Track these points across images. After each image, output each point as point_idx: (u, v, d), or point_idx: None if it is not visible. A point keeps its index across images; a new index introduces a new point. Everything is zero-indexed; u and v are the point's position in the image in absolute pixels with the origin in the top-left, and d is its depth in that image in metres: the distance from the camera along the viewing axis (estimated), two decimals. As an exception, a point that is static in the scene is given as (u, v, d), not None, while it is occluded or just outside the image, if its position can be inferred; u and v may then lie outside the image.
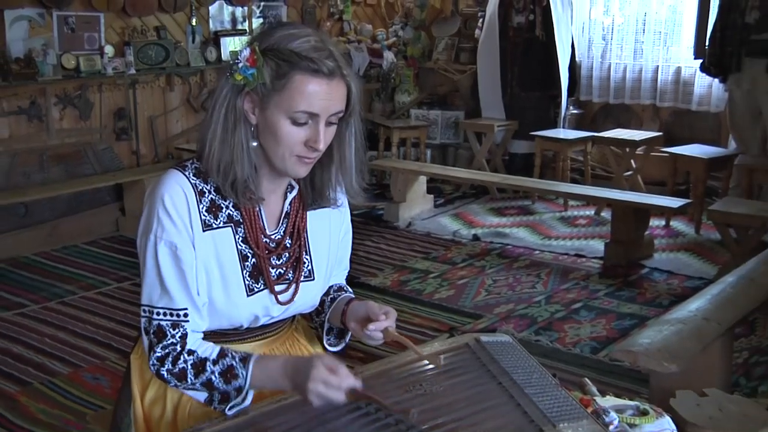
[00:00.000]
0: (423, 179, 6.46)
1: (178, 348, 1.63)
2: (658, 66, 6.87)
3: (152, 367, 1.64)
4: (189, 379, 1.62)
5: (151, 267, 1.62)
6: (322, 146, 1.60)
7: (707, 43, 5.91)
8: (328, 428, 1.52)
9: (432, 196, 6.65)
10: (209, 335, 1.72)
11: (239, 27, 6.63)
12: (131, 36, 5.92)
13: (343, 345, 1.89)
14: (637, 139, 6.23)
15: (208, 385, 1.62)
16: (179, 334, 1.63)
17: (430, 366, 1.78)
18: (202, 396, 1.65)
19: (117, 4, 5.73)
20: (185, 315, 1.62)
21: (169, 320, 1.62)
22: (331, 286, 1.91)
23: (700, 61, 6.07)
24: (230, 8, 6.57)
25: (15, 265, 5.22)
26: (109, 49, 5.74)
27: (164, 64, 6.01)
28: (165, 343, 1.62)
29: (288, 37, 1.58)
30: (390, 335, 1.70)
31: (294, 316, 1.88)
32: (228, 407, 1.61)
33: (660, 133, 6.53)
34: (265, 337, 1.79)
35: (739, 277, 3.09)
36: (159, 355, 1.63)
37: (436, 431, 1.50)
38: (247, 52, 1.56)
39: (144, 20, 6.00)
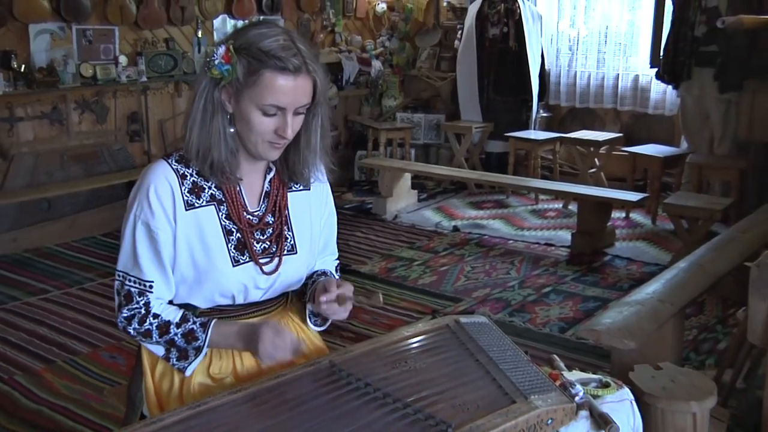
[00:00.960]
0: (408, 176, 6.45)
1: (143, 311, 1.69)
2: (618, 74, 6.90)
3: (120, 324, 1.72)
4: (153, 338, 1.69)
5: (129, 240, 1.68)
6: (289, 134, 1.63)
7: (662, 54, 5.93)
8: (320, 402, 1.52)
9: (416, 191, 6.65)
10: (210, 312, 1.73)
11: (241, 39, 6.59)
12: (143, 47, 5.89)
13: (326, 325, 1.88)
14: (600, 139, 6.25)
15: (170, 342, 1.69)
16: (143, 301, 1.69)
17: (415, 344, 1.78)
18: (160, 351, 1.71)
19: (130, 18, 5.69)
20: (150, 286, 1.69)
21: (137, 288, 1.69)
22: (316, 271, 1.90)
23: (656, 69, 6.09)
24: (232, 21, 6.52)
25: (39, 254, 5.20)
26: (123, 59, 5.71)
27: (173, 72, 5.98)
28: (131, 306, 1.69)
29: (259, 36, 1.59)
30: (343, 299, 1.71)
31: (287, 296, 1.87)
32: (185, 365, 1.68)
33: (620, 134, 6.55)
34: (260, 313, 1.79)
35: (690, 263, 3.11)
36: (126, 315, 1.70)
37: (419, 404, 1.51)
38: (222, 50, 1.58)
39: (154, 32, 5.97)
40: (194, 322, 1.68)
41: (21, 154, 5.29)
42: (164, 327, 1.68)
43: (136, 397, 1.81)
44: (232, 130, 1.64)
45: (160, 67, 5.92)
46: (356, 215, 6.21)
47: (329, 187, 1.90)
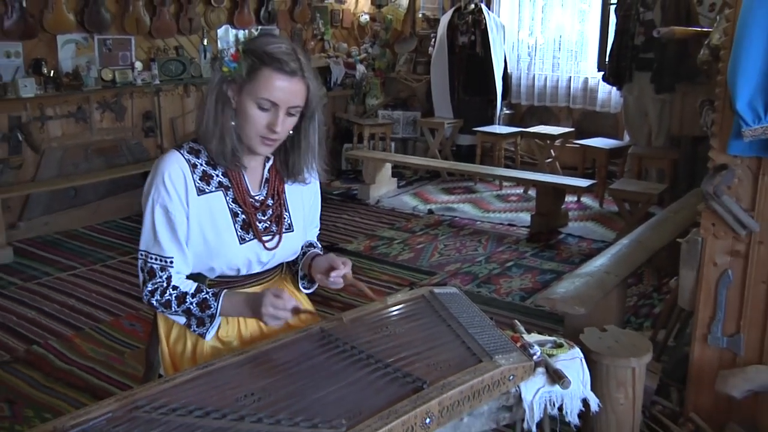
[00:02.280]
0: (388, 166, 6.44)
1: (165, 284, 1.66)
2: (570, 76, 6.90)
3: (145, 297, 1.68)
4: (173, 308, 1.66)
5: (148, 222, 1.65)
6: (279, 130, 1.61)
7: (607, 59, 5.95)
8: (312, 363, 1.52)
9: (396, 178, 6.63)
10: (218, 282, 1.72)
11: (242, 46, 6.54)
12: (156, 54, 5.82)
13: (314, 288, 1.89)
14: (555, 133, 6.27)
15: (187, 312, 1.66)
16: (165, 275, 1.66)
17: (395, 312, 1.79)
18: (182, 320, 1.69)
19: (144, 28, 5.63)
20: (171, 262, 1.65)
21: (158, 264, 1.65)
22: (304, 242, 1.90)
23: (602, 73, 6.10)
24: (234, 31, 6.46)
25: (68, 236, 5.15)
26: (138, 65, 5.64)
27: (182, 76, 5.92)
28: (155, 281, 1.66)
29: (266, 42, 1.60)
30: (348, 280, 1.73)
31: (282, 266, 1.87)
32: (204, 331, 1.66)
33: (573, 129, 6.56)
34: (260, 282, 1.79)
35: (631, 240, 3.14)
36: (150, 289, 1.66)
37: (399, 363, 1.52)
38: (232, 50, 1.60)
39: (166, 41, 5.90)
40: (207, 293, 1.66)
41: (51, 149, 5.24)
42: (182, 297, 1.65)
43: (154, 360, 1.79)
44: (233, 123, 1.63)
45: (171, 72, 5.86)
46: (343, 200, 6.19)
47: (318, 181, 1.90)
